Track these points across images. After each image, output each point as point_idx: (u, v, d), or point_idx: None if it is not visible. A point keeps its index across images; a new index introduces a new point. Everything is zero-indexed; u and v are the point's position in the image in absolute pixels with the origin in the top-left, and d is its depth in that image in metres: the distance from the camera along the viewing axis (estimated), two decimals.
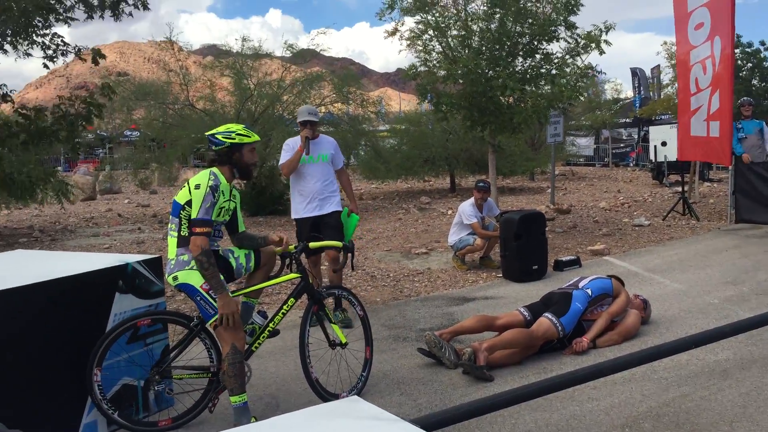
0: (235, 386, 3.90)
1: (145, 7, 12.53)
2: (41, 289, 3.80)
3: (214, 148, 4.06)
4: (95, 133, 23.94)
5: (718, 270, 7.91)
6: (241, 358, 3.94)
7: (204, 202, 3.86)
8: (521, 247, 7.93)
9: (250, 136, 4.13)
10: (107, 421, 4.04)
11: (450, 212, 14.58)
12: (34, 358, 3.72)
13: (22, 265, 4.56)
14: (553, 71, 10.52)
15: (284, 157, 6.41)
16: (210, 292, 3.88)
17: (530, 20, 10.29)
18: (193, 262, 3.92)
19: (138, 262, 4.36)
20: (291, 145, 6.43)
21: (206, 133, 4.19)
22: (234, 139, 4.05)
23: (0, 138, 10.81)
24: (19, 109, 11.57)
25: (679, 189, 13.29)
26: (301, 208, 6.40)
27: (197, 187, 3.91)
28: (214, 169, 4.04)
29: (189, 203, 3.91)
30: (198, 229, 3.85)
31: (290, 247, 4.48)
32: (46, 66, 11.86)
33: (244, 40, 16.94)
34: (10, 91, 12.10)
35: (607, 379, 4.51)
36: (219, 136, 4.05)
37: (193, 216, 3.87)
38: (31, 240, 12.65)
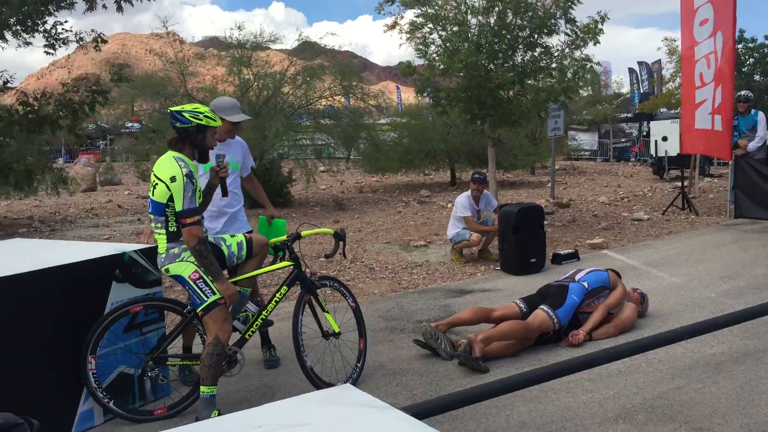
0: (207, 376, 3.91)
1: None
2: (38, 276, 3.82)
3: (177, 125, 3.98)
4: (96, 124, 23.93)
5: (716, 264, 7.91)
6: (221, 349, 3.94)
7: (185, 191, 3.83)
8: (520, 240, 7.94)
9: (215, 120, 4.10)
10: (103, 410, 4.06)
11: (450, 205, 14.56)
12: (31, 346, 3.74)
13: (20, 254, 4.57)
14: (553, 65, 10.51)
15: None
16: (198, 281, 3.89)
17: (530, 13, 10.27)
18: (184, 254, 3.93)
19: (135, 251, 4.38)
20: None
21: (171, 109, 4.13)
22: (201, 120, 4.00)
23: (1, 127, 10.79)
24: (21, 98, 11.53)
25: (679, 184, 13.28)
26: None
27: (173, 179, 3.83)
28: (177, 155, 3.96)
29: (171, 199, 3.86)
30: (189, 220, 3.83)
31: (282, 236, 4.50)
32: (48, 53, 11.82)
33: (238, 28, 16.88)
34: (11, 77, 12.06)
35: (602, 372, 4.53)
36: (186, 114, 3.98)
37: (179, 209, 3.84)
38: (31, 230, 12.67)
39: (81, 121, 12.34)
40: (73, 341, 3.92)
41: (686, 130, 11.82)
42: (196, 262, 3.91)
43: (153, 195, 3.95)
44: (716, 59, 10.89)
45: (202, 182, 4.23)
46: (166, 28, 16.36)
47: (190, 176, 3.87)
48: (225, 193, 4.51)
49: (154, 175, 3.96)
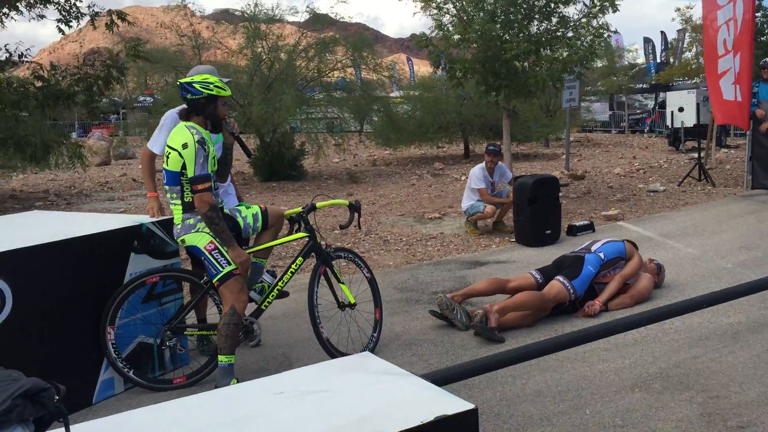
0: (224, 345, 3.94)
1: None
2: (59, 247, 3.86)
3: (189, 96, 3.99)
4: (109, 98, 23.94)
5: (732, 235, 7.86)
6: (238, 319, 3.97)
7: (197, 158, 3.84)
8: (535, 212, 7.90)
9: (225, 90, 4.09)
10: (123, 379, 4.13)
11: (463, 178, 14.50)
12: (52, 316, 3.79)
13: (40, 225, 4.62)
14: (569, 34, 10.38)
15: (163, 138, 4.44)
16: (213, 252, 3.91)
17: None
18: (199, 225, 3.94)
19: (152, 222, 4.40)
20: (171, 121, 4.54)
21: (181, 80, 4.12)
22: (212, 90, 3.99)
23: (17, 101, 10.81)
24: (35, 72, 11.53)
25: (696, 155, 13.15)
26: None
27: (185, 146, 3.85)
28: (189, 123, 3.98)
29: (184, 167, 3.88)
30: (200, 186, 3.85)
31: (297, 208, 4.51)
32: (60, 30, 11.79)
33: (256, 5, 16.76)
34: (27, 50, 12.03)
35: (618, 342, 4.54)
36: (197, 86, 3.97)
37: (191, 175, 3.86)
38: (47, 204, 12.76)
39: (97, 97, 12.32)
40: (93, 311, 3.97)
41: (716, 101, 11.54)
42: (210, 232, 3.93)
43: (167, 165, 3.97)
44: (736, 26, 10.70)
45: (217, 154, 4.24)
46: (183, 3, 16.26)
47: (202, 143, 3.88)
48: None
49: (167, 146, 3.98)
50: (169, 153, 3.94)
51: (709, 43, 11.61)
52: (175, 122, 4.44)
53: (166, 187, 4.03)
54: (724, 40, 11.04)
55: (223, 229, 3.91)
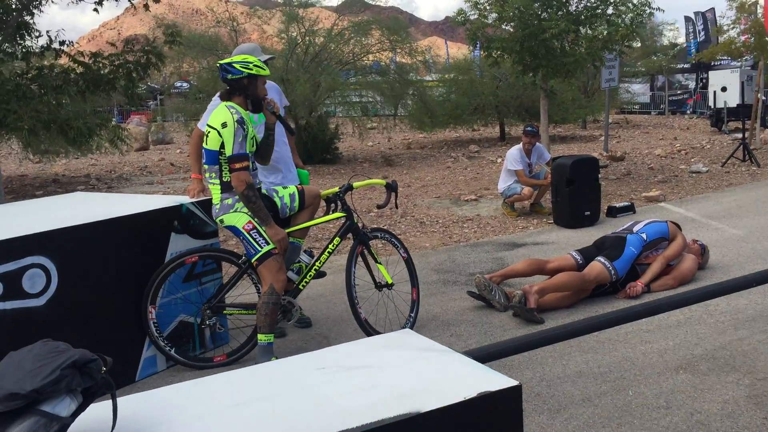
0: (263, 324, 3.97)
1: None
2: (102, 226, 3.92)
3: (229, 77, 4.01)
4: (147, 85, 24.20)
5: None
6: (276, 299, 3.98)
7: (236, 137, 3.86)
8: (573, 193, 7.79)
9: (264, 69, 4.10)
10: (165, 357, 4.19)
11: (500, 160, 14.38)
12: (96, 294, 3.85)
13: (83, 206, 4.69)
14: (609, 11, 10.15)
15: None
16: (252, 232, 3.93)
17: None
18: (238, 204, 3.96)
19: (192, 203, 4.44)
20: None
21: (220, 62, 4.13)
22: (252, 70, 4.01)
23: (59, 86, 10.98)
24: (75, 57, 11.68)
25: (739, 136, 12.82)
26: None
27: (224, 125, 3.88)
28: (230, 103, 4.00)
29: (223, 146, 3.90)
30: (237, 165, 3.86)
31: (334, 188, 4.50)
32: (96, 11, 11.92)
33: None
34: (68, 41, 12.21)
35: (661, 323, 4.46)
36: (237, 65, 4.00)
37: (228, 153, 3.88)
38: (89, 187, 13.01)
39: (136, 83, 12.46)
40: (136, 290, 4.03)
41: None
42: (249, 213, 3.95)
43: (206, 144, 4.00)
44: None
45: (258, 133, 4.25)
46: None
47: (241, 122, 3.90)
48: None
49: (207, 125, 4.02)
50: (209, 132, 3.97)
51: None
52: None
53: (205, 167, 4.06)
54: None
55: (261, 208, 3.93)
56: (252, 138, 4.08)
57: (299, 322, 4.85)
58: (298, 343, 4.61)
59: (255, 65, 4.04)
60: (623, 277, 5.18)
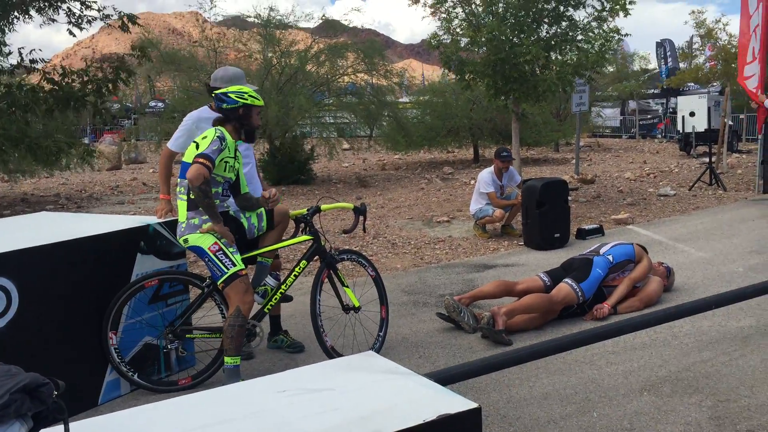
0: (230, 347, 3.93)
1: None
2: (65, 247, 3.86)
3: (225, 106, 4.07)
4: (121, 104, 24.03)
5: (743, 239, 7.79)
6: (243, 321, 3.95)
7: (211, 144, 3.90)
8: (543, 215, 7.87)
9: (259, 100, 4.19)
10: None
11: (473, 182, 14.45)
12: (59, 315, 3.79)
13: (47, 226, 4.63)
14: (579, 37, 10.34)
15: (182, 137, 4.63)
16: (218, 253, 3.90)
17: None
18: (205, 225, 3.93)
19: (159, 223, 4.40)
20: (193, 122, 4.65)
21: (217, 92, 4.18)
22: (247, 100, 4.09)
23: (27, 104, 10.89)
24: (46, 75, 11.59)
25: (707, 160, 13.06)
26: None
27: (204, 137, 3.96)
28: (220, 128, 4.06)
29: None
30: (202, 159, 3.85)
31: (302, 210, 4.51)
32: (71, 33, 11.85)
33: (271, 10, 16.81)
34: (40, 59, 12.13)
35: (627, 345, 4.51)
36: (232, 95, 4.07)
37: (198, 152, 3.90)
38: (58, 207, 12.83)
39: (106, 99, 12.38)
40: (100, 311, 3.97)
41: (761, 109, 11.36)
42: (216, 234, 3.92)
43: (184, 157, 4.06)
44: (763, 31, 10.66)
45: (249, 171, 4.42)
46: (199, 4, 16.30)
47: (221, 138, 3.95)
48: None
49: (193, 142, 4.06)
50: (190, 146, 4.05)
51: (743, 48, 11.46)
52: (196, 122, 4.61)
53: (178, 180, 4.06)
54: (753, 47, 10.97)
55: (211, 206, 3.90)
56: (232, 167, 4.10)
57: (291, 347, 4.82)
58: (266, 365, 4.58)
59: (250, 95, 4.11)
60: (590, 299, 5.23)
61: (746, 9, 11.18)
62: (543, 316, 5.09)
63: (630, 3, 10.05)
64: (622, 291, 5.33)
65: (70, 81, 11.53)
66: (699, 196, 11.31)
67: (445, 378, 2.44)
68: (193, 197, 3.92)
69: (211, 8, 16.36)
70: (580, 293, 5.13)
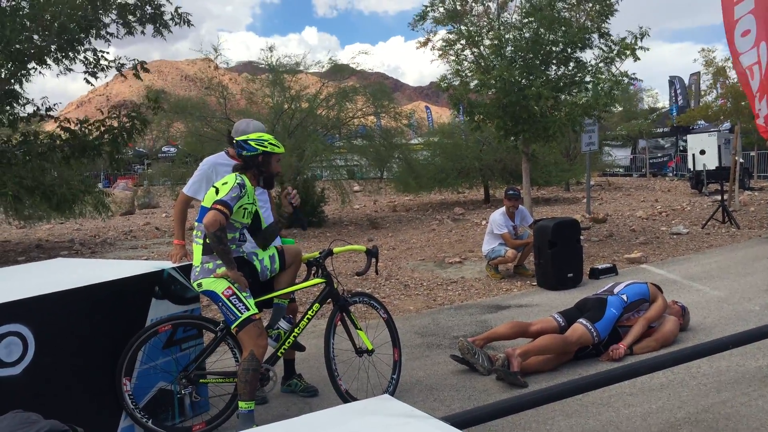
0: (244, 392, 3.91)
1: (188, 24, 12.59)
2: (80, 293, 3.88)
3: (244, 153, 4.14)
4: (134, 150, 24.35)
5: (758, 277, 7.73)
6: (257, 365, 3.94)
7: (231, 191, 3.95)
8: (556, 255, 7.85)
9: (279, 147, 4.25)
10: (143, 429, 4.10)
11: (484, 222, 14.51)
12: (75, 359, 3.80)
13: (62, 272, 4.67)
14: (587, 78, 10.44)
15: (198, 183, 4.74)
16: (231, 298, 3.92)
17: (564, 28, 10.23)
18: (219, 270, 3.95)
19: (173, 268, 4.43)
20: (209, 167, 4.75)
21: (237, 138, 4.25)
22: (266, 147, 4.16)
23: (43, 152, 11.08)
24: (62, 123, 11.80)
25: (719, 198, 13.03)
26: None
27: (224, 183, 4.02)
28: (241, 174, 4.12)
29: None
30: (220, 206, 3.89)
31: (315, 253, 4.53)
32: (87, 81, 12.07)
33: (270, 49, 17.15)
34: (54, 105, 12.37)
35: (644, 386, 4.45)
36: (252, 143, 4.14)
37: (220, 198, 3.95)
38: (72, 253, 12.93)
39: (121, 148, 12.59)
40: (115, 356, 3.97)
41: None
42: (230, 279, 3.94)
43: (203, 201, 4.12)
44: (761, 70, 10.69)
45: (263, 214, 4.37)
46: (211, 51, 16.63)
47: (241, 185, 4.00)
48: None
49: (213, 187, 4.12)
50: (209, 191, 4.10)
51: (744, 85, 11.50)
52: (212, 168, 4.70)
53: (195, 224, 4.10)
54: (751, 85, 11.01)
55: (227, 252, 3.93)
56: (250, 212, 4.15)
57: (305, 392, 4.81)
58: (280, 409, 4.55)
59: (270, 143, 4.19)
60: (605, 339, 5.19)
61: (734, 50, 11.22)
62: (558, 357, 5.05)
63: (640, 48, 10.12)
64: (638, 331, 5.28)
65: (86, 131, 11.73)
66: (712, 234, 11.25)
67: (462, 422, 2.42)
68: (208, 242, 3.96)
69: (216, 56, 16.63)
70: (595, 333, 5.09)
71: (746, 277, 7.78)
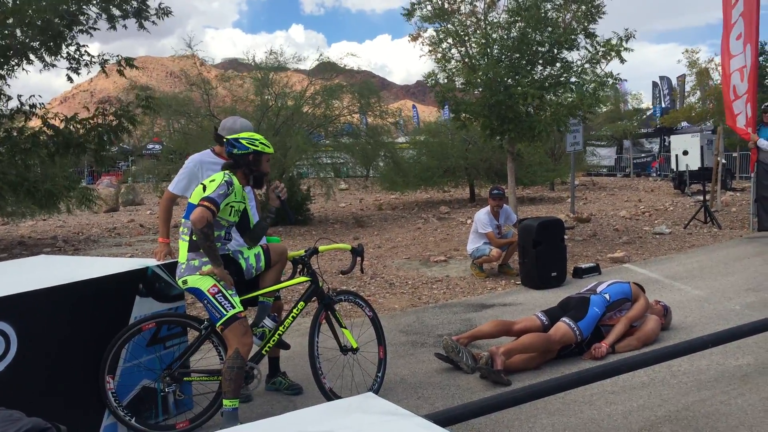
0: (228, 390, 3.92)
1: (167, 14, 12.47)
2: (64, 291, 3.87)
3: (235, 152, 4.13)
4: (119, 146, 24.21)
5: (739, 277, 7.82)
6: (242, 363, 3.94)
7: (218, 188, 3.95)
8: (540, 254, 7.90)
9: (269, 147, 4.26)
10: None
11: (469, 221, 14.55)
12: (58, 357, 3.78)
13: (46, 269, 4.64)
14: (573, 79, 10.51)
15: (183, 181, 4.73)
16: (217, 296, 3.92)
17: (550, 28, 10.28)
18: (205, 267, 3.95)
19: (157, 266, 4.42)
20: (195, 165, 4.74)
21: (228, 137, 4.24)
22: (258, 147, 4.16)
23: (27, 149, 10.97)
24: (48, 119, 11.70)
25: (701, 198, 13.16)
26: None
27: (212, 181, 4.01)
28: (229, 172, 4.11)
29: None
30: (207, 203, 3.87)
31: (300, 251, 4.54)
32: (69, 78, 11.97)
33: (272, 53, 17.06)
34: (40, 104, 12.25)
35: (626, 384, 4.50)
36: (243, 141, 4.14)
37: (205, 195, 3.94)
38: (55, 250, 12.84)
39: (107, 146, 12.49)
40: (98, 354, 3.96)
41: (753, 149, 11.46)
42: (215, 276, 3.94)
43: (190, 197, 4.11)
44: (748, 73, 10.81)
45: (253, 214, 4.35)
46: (191, 48, 16.53)
47: (229, 183, 4.00)
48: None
49: (201, 184, 4.11)
50: (197, 188, 4.09)
51: (725, 87, 11.61)
52: (198, 166, 4.69)
53: (182, 220, 4.09)
54: (734, 86, 11.11)
55: (213, 249, 3.92)
56: (237, 210, 4.15)
57: (289, 390, 4.81)
58: (264, 407, 4.55)
59: (261, 143, 4.20)
60: (588, 338, 5.23)
61: (727, 51, 11.33)
62: (541, 356, 5.09)
63: (625, 50, 10.18)
64: (620, 330, 5.33)
65: (71, 128, 11.63)
66: (694, 234, 11.37)
67: (445, 419, 2.44)
68: (195, 239, 3.96)
69: (194, 53, 16.53)
70: (578, 332, 5.13)
71: (727, 277, 7.87)
